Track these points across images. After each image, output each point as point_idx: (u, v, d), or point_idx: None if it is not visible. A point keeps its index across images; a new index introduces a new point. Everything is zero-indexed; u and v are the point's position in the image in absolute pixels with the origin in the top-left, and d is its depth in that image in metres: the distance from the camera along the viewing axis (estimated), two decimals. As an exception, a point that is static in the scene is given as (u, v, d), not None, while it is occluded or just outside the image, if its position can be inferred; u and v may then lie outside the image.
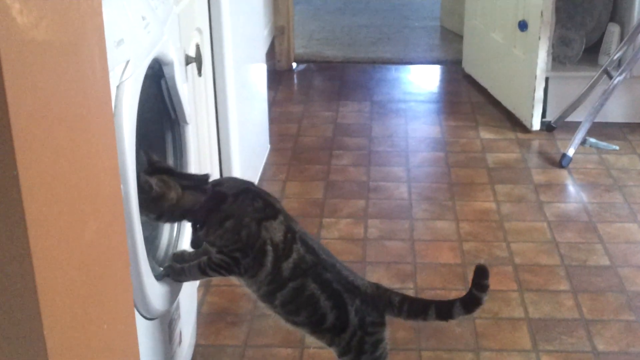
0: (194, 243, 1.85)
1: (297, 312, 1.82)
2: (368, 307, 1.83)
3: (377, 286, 1.88)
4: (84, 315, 1.15)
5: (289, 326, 1.87)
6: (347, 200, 3.16)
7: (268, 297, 1.81)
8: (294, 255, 1.79)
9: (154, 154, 1.75)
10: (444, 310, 1.86)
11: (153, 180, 1.69)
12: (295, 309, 1.82)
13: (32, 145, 0.95)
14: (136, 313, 1.64)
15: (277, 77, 4.58)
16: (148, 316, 1.71)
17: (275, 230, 1.79)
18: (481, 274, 1.82)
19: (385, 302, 1.85)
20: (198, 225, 1.80)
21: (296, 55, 4.84)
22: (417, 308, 1.87)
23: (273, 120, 3.82)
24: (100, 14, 1.18)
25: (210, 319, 2.44)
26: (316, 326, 1.83)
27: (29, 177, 0.94)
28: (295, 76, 4.68)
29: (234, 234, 1.77)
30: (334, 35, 5.34)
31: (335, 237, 2.89)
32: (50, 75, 1.00)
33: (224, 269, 1.78)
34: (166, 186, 1.72)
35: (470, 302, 1.84)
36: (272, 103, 4.11)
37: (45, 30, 0.98)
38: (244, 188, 1.85)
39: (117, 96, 1.51)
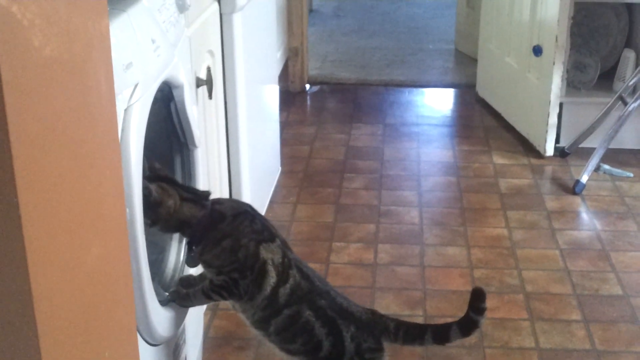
0: (188, 261, 1.83)
1: (292, 340, 1.80)
2: (364, 334, 1.81)
3: (372, 312, 1.86)
4: (84, 342, 1.13)
5: (283, 355, 1.84)
6: (357, 224, 3.14)
7: (262, 324, 1.80)
8: (291, 281, 1.78)
9: (156, 162, 1.74)
10: (440, 333, 1.84)
11: (153, 186, 1.67)
12: (290, 336, 1.80)
13: (33, 170, 0.93)
14: (140, 339, 1.62)
15: (290, 98, 4.57)
16: (152, 342, 1.69)
17: (274, 253, 1.77)
18: (478, 297, 1.81)
19: (380, 328, 1.84)
20: (194, 243, 1.78)
21: (309, 76, 4.83)
22: (414, 333, 1.85)
23: (285, 142, 3.81)
24: (107, 37, 1.17)
25: (217, 343, 2.42)
26: (312, 355, 1.81)
27: (29, 203, 0.92)
28: (308, 98, 4.68)
29: (231, 254, 1.76)
30: (348, 57, 5.34)
31: (344, 261, 2.86)
32: (53, 98, 0.99)
33: (225, 289, 1.76)
34: (165, 194, 1.71)
35: (467, 325, 1.82)
36: (285, 125, 4.10)
37: (51, 52, 0.97)
38: (243, 210, 1.84)
39: (124, 119, 1.50)
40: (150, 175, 1.71)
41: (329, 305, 1.81)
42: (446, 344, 1.86)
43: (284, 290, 1.77)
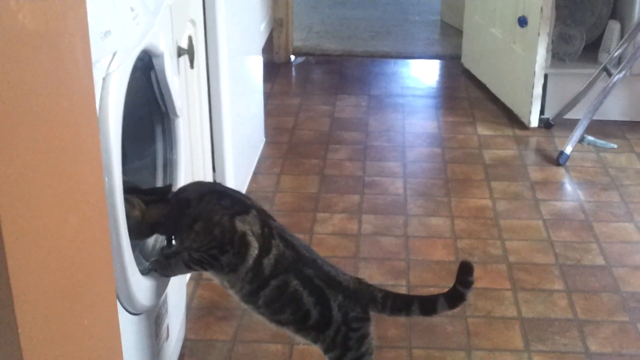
0: (169, 255, 1.82)
1: (281, 310, 1.80)
2: (351, 303, 1.81)
3: (360, 281, 1.86)
4: (63, 311, 1.13)
5: (273, 326, 1.84)
6: (341, 195, 3.14)
7: (251, 297, 1.79)
8: (274, 251, 1.77)
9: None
10: (427, 305, 1.84)
11: None
12: (279, 307, 1.80)
13: (7, 140, 0.92)
14: (120, 308, 1.62)
15: (275, 69, 4.55)
16: (133, 311, 1.68)
17: (252, 224, 1.77)
18: (466, 270, 1.81)
19: (368, 297, 1.83)
20: (170, 237, 1.80)
21: (294, 47, 4.81)
22: (401, 303, 1.85)
23: (269, 113, 3.79)
24: (83, 4, 1.16)
25: (200, 313, 2.42)
26: (301, 324, 1.81)
27: (4, 172, 0.91)
28: (293, 69, 4.66)
29: (206, 234, 1.75)
30: (333, 28, 5.31)
31: (328, 232, 2.86)
32: (28, 67, 0.98)
33: (204, 264, 1.77)
34: (128, 205, 1.69)
35: (454, 298, 1.82)
36: (269, 96, 4.08)
37: (23, 19, 0.96)
38: (208, 190, 1.84)
39: (103, 87, 1.48)
40: None
41: (316, 274, 1.80)
42: (433, 315, 1.86)
43: (268, 261, 1.77)
